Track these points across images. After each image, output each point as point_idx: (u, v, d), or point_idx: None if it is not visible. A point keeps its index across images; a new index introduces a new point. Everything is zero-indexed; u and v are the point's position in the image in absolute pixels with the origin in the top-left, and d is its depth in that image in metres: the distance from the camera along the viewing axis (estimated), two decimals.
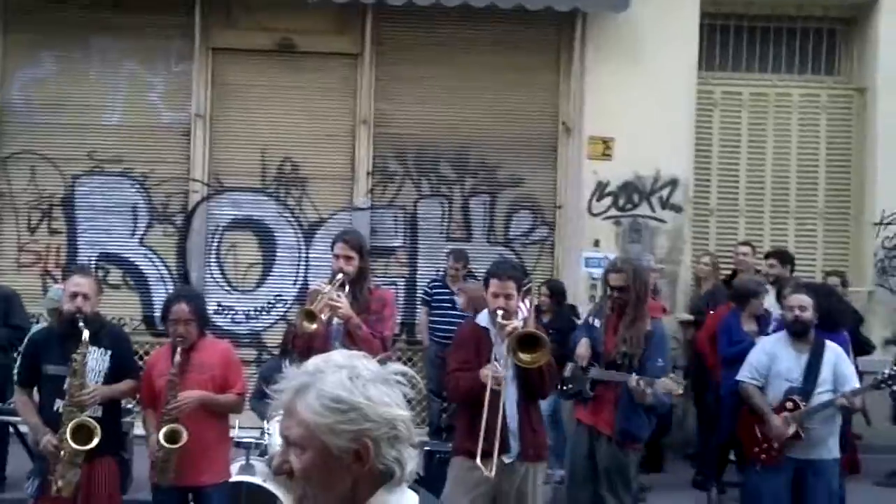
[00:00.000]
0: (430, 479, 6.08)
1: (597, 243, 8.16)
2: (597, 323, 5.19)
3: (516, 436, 4.24)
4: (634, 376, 4.85)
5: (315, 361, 1.63)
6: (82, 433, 4.32)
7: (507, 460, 4.23)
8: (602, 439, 5.02)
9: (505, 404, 4.18)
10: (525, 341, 4.11)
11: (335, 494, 1.58)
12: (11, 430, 6.26)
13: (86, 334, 4.40)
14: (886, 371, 5.25)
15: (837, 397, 5.03)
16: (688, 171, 8.48)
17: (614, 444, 4.98)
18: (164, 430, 4.36)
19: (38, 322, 7.10)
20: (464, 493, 4.22)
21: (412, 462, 1.61)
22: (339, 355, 1.65)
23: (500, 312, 4.18)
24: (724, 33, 8.83)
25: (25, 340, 5.43)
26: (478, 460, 3.96)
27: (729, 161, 8.83)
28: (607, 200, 8.42)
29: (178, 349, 4.47)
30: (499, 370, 4.09)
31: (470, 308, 7.32)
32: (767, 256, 7.62)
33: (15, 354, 6.52)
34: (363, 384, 1.58)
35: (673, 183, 8.41)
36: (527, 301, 4.63)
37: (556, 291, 7.38)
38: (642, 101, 8.22)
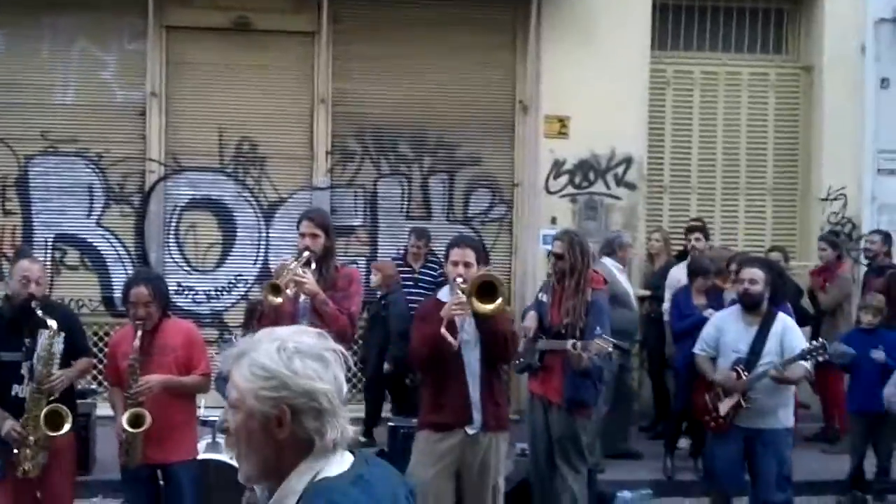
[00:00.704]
0: (395, 454, 6.22)
1: (554, 221, 8.29)
2: (544, 298, 5.34)
3: (478, 407, 4.33)
4: (570, 341, 4.96)
5: (260, 333, 1.77)
6: (53, 418, 4.40)
7: (470, 431, 4.33)
8: (553, 408, 5.16)
9: (466, 375, 4.28)
10: (483, 290, 4.14)
11: (261, 455, 1.70)
12: None
13: (53, 323, 4.43)
14: (815, 342, 5.44)
15: (769, 368, 5.14)
16: (642, 148, 8.65)
17: (564, 411, 5.12)
18: (126, 414, 4.38)
19: None
20: (429, 466, 4.31)
21: (334, 432, 1.69)
22: (283, 329, 1.77)
23: (459, 280, 4.25)
24: (675, 13, 8.99)
25: None
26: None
27: (681, 139, 9.03)
28: (564, 178, 8.56)
29: (139, 332, 4.45)
30: (461, 297, 4.11)
31: (384, 286, 7.50)
32: (690, 231, 7.80)
33: None
34: (289, 356, 1.68)
35: (627, 161, 8.59)
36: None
37: None
38: (597, 80, 8.35)
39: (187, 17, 8.49)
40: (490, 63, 8.70)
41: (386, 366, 7.39)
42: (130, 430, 4.37)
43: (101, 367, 6.88)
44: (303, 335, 1.75)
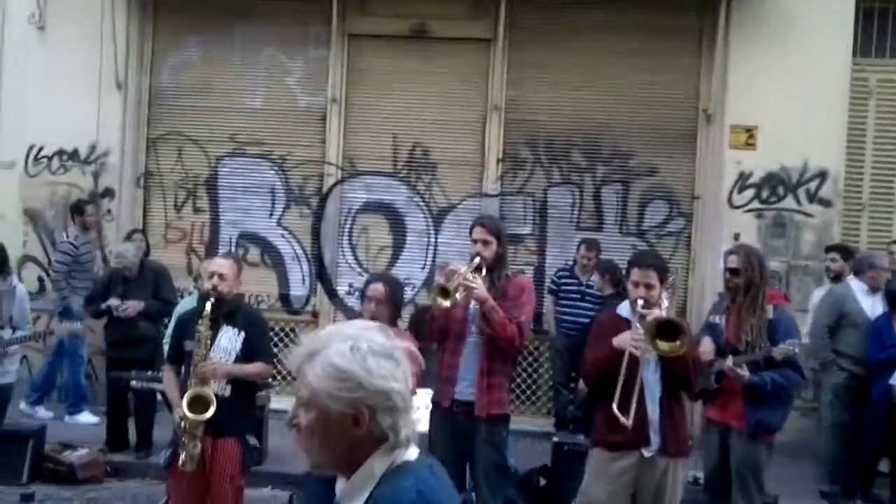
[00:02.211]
0: (558, 471, 6.03)
1: (737, 237, 7.78)
2: (717, 320, 4.98)
3: (657, 429, 4.09)
4: (730, 358, 4.62)
5: (328, 330, 1.77)
6: (199, 404, 4.30)
7: (646, 454, 4.10)
8: (733, 434, 4.81)
9: (645, 396, 4.04)
10: (664, 329, 3.95)
11: (334, 452, 1.74)
12: (160, 397, 6.56)
13: (207, 306, 4.44)
14: None
15: None
16: (838, 162, 8.00)
17: (745, 438, 4.76)
18: None
19: (182, 297, 7.44)
20: (604, 485, 4.13)
21: (407, 429, 1.74)
22: (350, 326, 1.79)
23: (640, 302, 4.05)
24: (882, 18, 8.26)
25: (174, 319, 5.66)
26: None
27: (884, 153, 8.27)
28: (749, 192, 8.05)
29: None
30: (640, 333, 3.93)
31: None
32: (828, 250, 7.36)
33: (162, 327, 6.89)
34: (363, 356, 1.70)
35: (822, 175, 7.96)
36: (667, 294, 4.48)
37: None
38: (790, 87, 7.81)
39: (368, 25, 8.69)
40: (672, 69, 8.33)
41: None
42: None
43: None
44: (372, 332, 1.76)
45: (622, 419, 3.93)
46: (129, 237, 7.91)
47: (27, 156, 8.66)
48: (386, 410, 1.71)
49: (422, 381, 5.38)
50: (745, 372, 4.58)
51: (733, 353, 4.77)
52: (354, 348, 1.71)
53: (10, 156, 8.68)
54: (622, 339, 4.02)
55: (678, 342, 3.92)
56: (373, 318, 4.38)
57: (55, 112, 8.47)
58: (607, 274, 7.34)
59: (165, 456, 4.63)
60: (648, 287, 4.08)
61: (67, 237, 7.96)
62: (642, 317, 4.02)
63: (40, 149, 8.65)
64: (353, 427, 1.70)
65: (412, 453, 1.77)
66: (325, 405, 1.70)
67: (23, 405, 7.56)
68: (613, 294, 6.93)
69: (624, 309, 4.26)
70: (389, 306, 4.52)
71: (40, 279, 8.65)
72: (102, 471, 6.50)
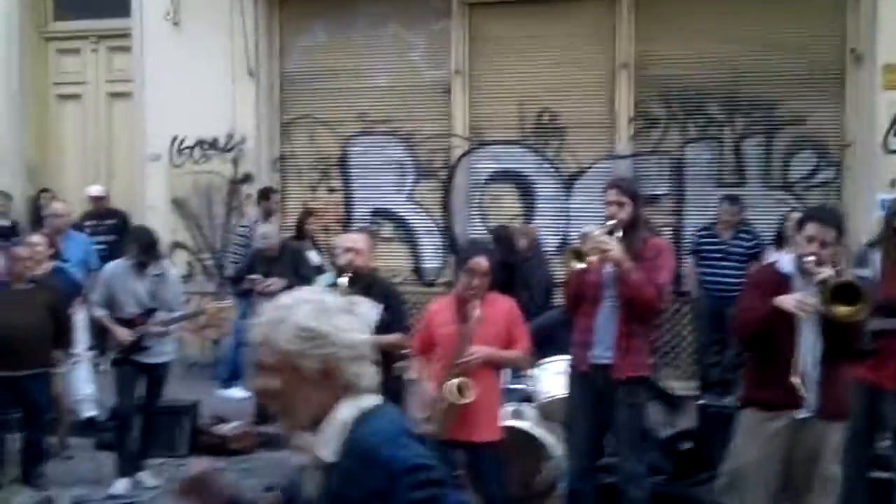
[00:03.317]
0: (703, 434, 5.81)
1: (894, 183, 7.22)
2: (865, 272, 4.58)
3: (814, 389, 3.83)
4: None
5: (286, 298, 1.90)
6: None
7: (800, 415, 3.84)
8: (888, 396, 4.50)
9: (804, 354, 3.78)
10: (841, 292, 3.65)
11: (309, 406, 1.86)
12: None
13: (344, 280, 4.55)
14: None
15: None
16: None
17: None
18: (453, 382, 4.25)
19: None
20: (758, 447, 3.90)
21: (370, 375, 1.90)
22: (305, 292, 1.94)
23: (811, 258, 3.74)
24: None
25: None
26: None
27: None
28: None
29: (477, 302, 4.33)
30: (807, 297, 3.67)
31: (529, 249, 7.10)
32: None
33: None
34: (330, 315, 1.86)
35: None
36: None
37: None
38: None
39: None
40: (814, 9, 7.78)
41: None
42: (455, 399, 4.25)
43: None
44: (326, 295, 1.94)
45: (796, 382, 3.67)
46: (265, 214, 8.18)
47: (171, 147, 9.10)
48: (352, 360, 1.86)
49: (560, 348, 5.34)
50: None
51: (893, 311, 4.42)
52: (320, 309, 1.86)
53: (155, 149, 9.16)
54: (786, 301, 3.73)
55: (858, 307, 3.62)
56: (475, 290, 4.32)
57: (193, 103, 8.84)
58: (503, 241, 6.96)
59: None
60: (823, 244, 3.78)
61: (248, 221, 8.30)
62: (813, 276, 3.70)
63: (182, 140, 9.08)
64: (323, 381, 1.85)
65: (375, 399, 1.90)
66: (298, 365, 1.83)
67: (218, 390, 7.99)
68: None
69: (785, 264, 3.98)
70: (491, 278, 4.40)
71: (189, 264, 9.12)
72: (253, 442, 6.80)
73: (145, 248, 5.97)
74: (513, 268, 7.03)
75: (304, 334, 1.83)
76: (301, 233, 8.24)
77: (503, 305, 4.54)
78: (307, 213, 8.47)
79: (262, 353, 1.87)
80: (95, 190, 9.03)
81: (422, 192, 8.85)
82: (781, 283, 3.86)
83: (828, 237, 3.78)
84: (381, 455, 1.78)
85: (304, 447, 1.87)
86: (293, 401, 1.86)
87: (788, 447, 3.87)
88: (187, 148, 9.08)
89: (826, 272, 3.70)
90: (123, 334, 5.78)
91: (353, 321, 1.90)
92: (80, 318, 6.65)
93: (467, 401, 4.26)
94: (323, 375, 1.85)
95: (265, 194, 8.42)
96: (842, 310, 3.63)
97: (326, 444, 1.84)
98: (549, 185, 8.53)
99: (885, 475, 4.84)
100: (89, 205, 9.01)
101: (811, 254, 3.74)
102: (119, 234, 8.54)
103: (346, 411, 1.86)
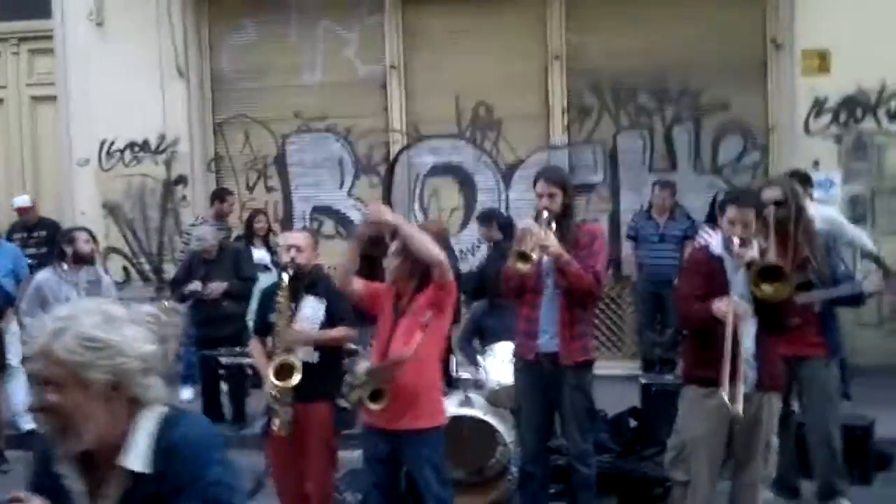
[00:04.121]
0: (648, 412, 5.98)
1: (816, 164, 7.52)
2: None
3: (752, 366, 4.00)
4: (877, 275, 4.78)
5: (65, 309, 1.82)
6: (285, 371, 4.40)
7: (743, 390, 4.01)
8: (807, 364, 4.74)
9: (741, 338, 3.95)
10: (766, 273, 3.86)
11: (97, 421, 1.77)
12: (250, 371, 6.72)
13: (285, 278, 4.54)
14: None
15: None
16: None
17: (823, 364, 4.77)
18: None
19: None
20: (700, 422, 4.06)
21: (158, 388, 1.85)
22: (88, 302, 1.87)
23: (736, 240, 3.93)
24: None
25: (258, 293, 5.77)
26: (724, 394, 3.78)
27: None
28: (826, 118, 7.74)
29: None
30: (740, 304, 3.86)
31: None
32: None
33: (246, 305, 7.04)
34: (118, 325, 1.79)
35: None
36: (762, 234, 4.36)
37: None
38: (861, 7, 7.44)
39: None
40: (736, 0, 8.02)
41: None
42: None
43: None
44: (111, 305, 1.85)
45: (728, 403, 3.83)
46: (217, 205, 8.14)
47: (100, 151, 8.90)
48: (142, 372, 1.80)
49: (503, 336, 5.43)
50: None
51: (800, 286, 4.66)
52: (107, 319, 1.78)
53: (83, 153, 8.94)
54: (722, 309, 3.87)
55: (781, 285, 3.82)
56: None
57: (122, 105, 8.67)
58: (491, 220, 7.01)
59: (261, 424, 4.81)
60: (745, 225, 3.97)
61: (197, 222, 8.11)
62: (739, 255, 3.89)
63: (112, 143, 8.89)
64: (112, 393, 1.78)
65: (167, 408, 1.87)
66: (84, 377, 1.74)
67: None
68: (502, 239, 6.62)
69: (716, 246, 4.14)
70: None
71: (125, 269, 8.95)
72: None
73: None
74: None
75: (91, 345, 1.74)
76: (251, 232, 8.16)
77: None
78: (256, 213, 8.39)
79: (41, 365, 1.76)
80: (21, 200, 8.62)
81: (361, 188, 8.86)
82: (714, 265, 4.03)
83: (748, 218, 3.97)
84: (192, 454, 1.79)
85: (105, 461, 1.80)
86: (78, 416, 1.76)
87: (730, 420, 4.03)
88: (117, 151, 8.90)
89: (751, 253, 3.91)
90: None
91: (141, 331, 1.83)
92: (13, 331, 6.50)
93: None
94: (112, 388, 1.77)
95: (220, 196, 8.28)
96: (768, 289, 3.83)
97: (135, 455, 1.79)
98: (487, 177, 8.63)
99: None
100: (17, 216, 8.66)
101: (735, 236, 3.93)
102: (50, 245, 8.29)
103: (147, 422, 1.82)
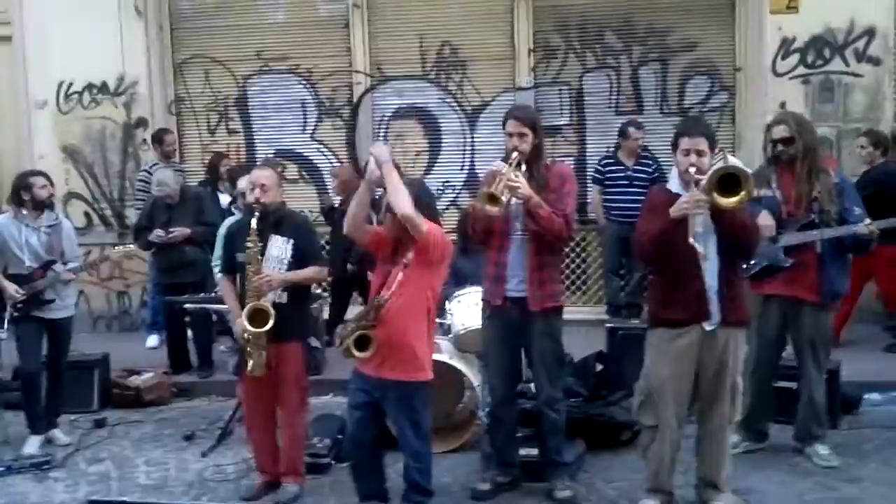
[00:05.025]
0: (614, 356, 6.05)
1: (783, 105, 7.51)
2: (770, 192, 4.83)
3: (716, 301, 4.02)
4: (865, 222, 4.67)
5: None
6: (259, 317, 4.42)
7: (708, 327, 4.05)
8: (805, 308, 4.77)
9: (703, 268, 3.96)
10: (724, 184, 3.78)
11: None
12: (215, 318, 6.68)
13: (253, 222, 4.48)
14: None
15: None
16: (888, 17, 7.60)
17: (818, 309, 4.77)
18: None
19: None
20: (667, 364, 4.08)
21: None
22: None
23: (692, 170, 3.90)
24: None
25: (224, 231, 5.69)
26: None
27: None
28: (794, 58, 7.71)
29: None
30: (695, 193, 3.83)
31: (343, 192, 7.11)
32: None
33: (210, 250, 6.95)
34: None
35: (870, 33, 7.58)
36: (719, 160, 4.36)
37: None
38: None
39: None
40: None
41: (349, 266, 7.06)
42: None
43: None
44: None
45: (698, 248, 3.81)
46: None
47: (58, 93, 8.65)
48: None
49: (471, 280, 5.42)
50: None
51: (803, 226, 4.70)
52: None
53: (41, 95, 8.68)
54: (678, 205, 3.87)
55: (743, 193, 3.76)
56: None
57: (79, 46, 8.41)
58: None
59: (233, 364, 4.89)
60: (699, 154, 3.95)
61: (145, 166, 8.00)
62: (697, 182, 3.87)
63: (70, 85, 8.63)
64: None
65: None
66: None
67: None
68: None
69: (674, 184, 4.13)
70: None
71: (87, 214, 8.78)
72: (168, 392, 6.71)
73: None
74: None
75: None
76: (215, 175, 8.02)
77: None
78: (219, 155, 8.25)
79: None
80: None
81: (325, 131, 8.72)
82: (673, 201, 3.97)
83: (700, 146, 3.95)
84: None
85: None
86: None
87: (697, 361, 4.08)
88: (75, 93, 8.65)
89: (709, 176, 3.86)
90: (11, 290, 5.54)
91: None
92: None
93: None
94: None
95: (159, 137, 8.13)
96: (727, 199, 3.77)
97: None
98: (452, 119, 8.52)
99: (789, 385, 5.17)
100: None
101: (690, 165, 3.91)
102: None
103: None
